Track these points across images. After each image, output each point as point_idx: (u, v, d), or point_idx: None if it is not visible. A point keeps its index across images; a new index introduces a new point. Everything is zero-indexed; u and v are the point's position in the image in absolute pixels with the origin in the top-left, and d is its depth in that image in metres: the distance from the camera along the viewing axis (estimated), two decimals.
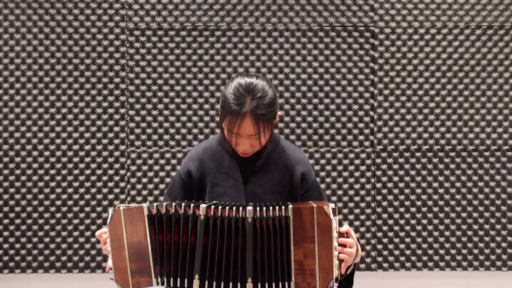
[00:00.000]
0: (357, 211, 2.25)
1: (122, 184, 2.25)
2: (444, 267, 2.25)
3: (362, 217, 2.25)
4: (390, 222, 2.25)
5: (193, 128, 2.25)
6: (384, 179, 2.25)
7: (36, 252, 2.24)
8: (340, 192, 2.25)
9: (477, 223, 2.25)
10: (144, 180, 2.25)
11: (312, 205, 1.19)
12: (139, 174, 2.25)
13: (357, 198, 2.25)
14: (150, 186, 2.25)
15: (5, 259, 2.24)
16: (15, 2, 2.25)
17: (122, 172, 2.25)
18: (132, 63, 2.25)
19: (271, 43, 2.26)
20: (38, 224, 2.24)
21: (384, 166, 2.25)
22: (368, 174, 2.25)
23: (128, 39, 2.25)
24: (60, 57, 2.25)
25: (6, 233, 2.24)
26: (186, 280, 1.22)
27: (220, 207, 1.22)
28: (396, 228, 2.25)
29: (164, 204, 1.23)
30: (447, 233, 2.25)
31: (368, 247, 2.25)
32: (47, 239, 2.24)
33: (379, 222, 2.25)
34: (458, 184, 2.26)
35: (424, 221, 2.25)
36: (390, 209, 2.25)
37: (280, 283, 1.21)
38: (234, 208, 1.22)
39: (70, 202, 2.24)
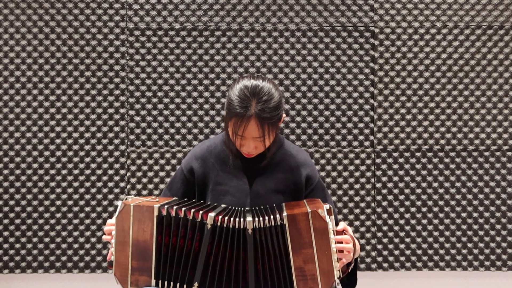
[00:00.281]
0: (357, 211, 2.25)
1: (122, 184, 2.25)
2: (444, 267, 2.25)
3: (362, 217, 2.25)
4: (390, 222, 2.25)
5: (193, 128, 2.25)
6: (384, 179, 2.25)
7: (36, 252, 2.24)
8: (340, 192, 2.25)
9: (477, 223, 2.25)
10: (144, 180, 2.25)
11: (306, 210, 1.19)
12: (139, 174, 2.25)
13: (357, 198, 2.25)
14: (150, 186, 2.25)
15: (5, 259, 2.24)
16: (15, 2, 2.25)
17: (122, 172, 2.25)
18: (132, 63, 2.25)
19: (271, 43, 2.26)
20: (38, 224, 2.24)
21: (384, 166, 2.26)
22: (368, 174, 2.25)
23: (128, 39, 2.25)
24: (60, 57, 2.25)
25: (6, 233, 2.24)
26: (185, 286, 1.23)
27: (226, 217, 1.22)
28: (396, 228, 2.25)
29: (175, 207, 1.23)
30: (447, 233, 2.25)
31: (368, 247, 2.25)
32: (47, 239, 2.24)
33: (379, 222, 2.25)
34: (458, 184, 2.26)
35: (424, 221, 2.25)
36: (390, 209, 2.25)
37: None
38: (238, 219, 1.22)
39: (70, 202, 2.24)
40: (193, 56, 2.25)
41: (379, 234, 2.25)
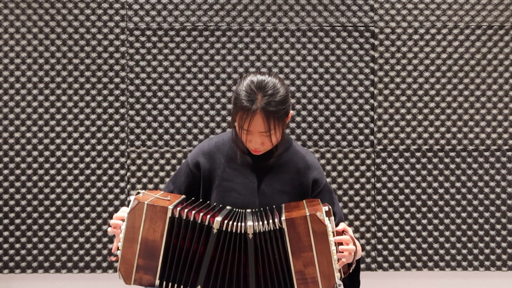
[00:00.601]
0: (357, 211, 2.25)
1: (122, 184, 2.25)
2: (444, 267, 2.25)
3: (362, 217, 2.25)
4: (390, 222, 2.25)
5: (193, 128, 2.25)
6: (384, 179, 2.25)
7: (36, 252, 2.24)
8: (340, 192, 2.25)
9: (477, 223, 2.25)
10: (144, 180, 2.25)
11: (305, 213, 1.19)
12: (139, 174, 2.25)
13: (357, 198, 2.25)
14: (150, 186, 2.25)
15: (5, 259, 2.24)
16: (15, 2, 2.25)
17: (122, 172, 2.25)
18: (132, 63, 2.25)
19: (271, 43, 2.26)
20: (38, 224, 2.24)
21: (384, 166, 2.26)
22: (368, 174, 2.25)
23: (128, 39, 2.25)
24: (60, 57, 2.25)
25: (6, 233, 2.24)
26: None
27: (230, 221, 1.23)
28: (396, 228, 2.25)
29: (186, 210, 1.23)
30: (447, 233, 2.25)
31: (368, 247, 2.25)
32: (47, 239, 2.24)
33: (379, 222, 2.25)
34: (458, 184, 2.26)
35: (424, 221, 2.25)
36: (390, 209, 2.25)
37: None
38: (240, 223, 1.23)
39: (70, 202, 2.24)
40: (193, 56, 2.25)
41: (379, 234, 2.25)
